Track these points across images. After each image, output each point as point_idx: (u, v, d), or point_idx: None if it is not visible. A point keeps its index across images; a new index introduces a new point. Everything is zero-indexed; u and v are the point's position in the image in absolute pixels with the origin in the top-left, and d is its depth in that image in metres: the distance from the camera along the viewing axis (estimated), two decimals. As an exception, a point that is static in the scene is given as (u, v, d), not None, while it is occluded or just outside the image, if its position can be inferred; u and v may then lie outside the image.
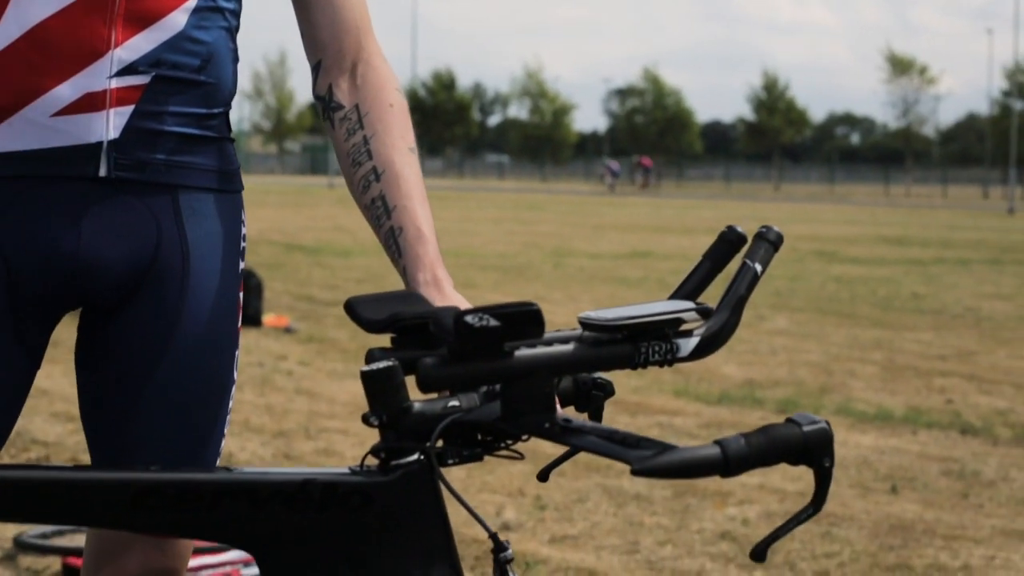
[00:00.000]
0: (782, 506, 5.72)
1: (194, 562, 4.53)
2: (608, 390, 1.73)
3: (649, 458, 1.48)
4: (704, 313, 1.64)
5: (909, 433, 7.43)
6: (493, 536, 1.62)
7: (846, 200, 60.34)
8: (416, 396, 1.61)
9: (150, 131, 1.99)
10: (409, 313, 1.61)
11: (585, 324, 1.59)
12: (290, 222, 28.14)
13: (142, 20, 1.97)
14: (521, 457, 1.68)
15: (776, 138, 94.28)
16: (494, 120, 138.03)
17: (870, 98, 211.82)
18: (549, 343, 1.58)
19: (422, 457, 1.62)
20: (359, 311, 1.63)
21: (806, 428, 1.51)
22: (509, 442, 1.64)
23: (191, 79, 2.03)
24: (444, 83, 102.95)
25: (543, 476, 1.83)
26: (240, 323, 2.14)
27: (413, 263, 1.96)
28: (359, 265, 17.43)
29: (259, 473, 1.60)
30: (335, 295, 14.04)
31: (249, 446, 6.62)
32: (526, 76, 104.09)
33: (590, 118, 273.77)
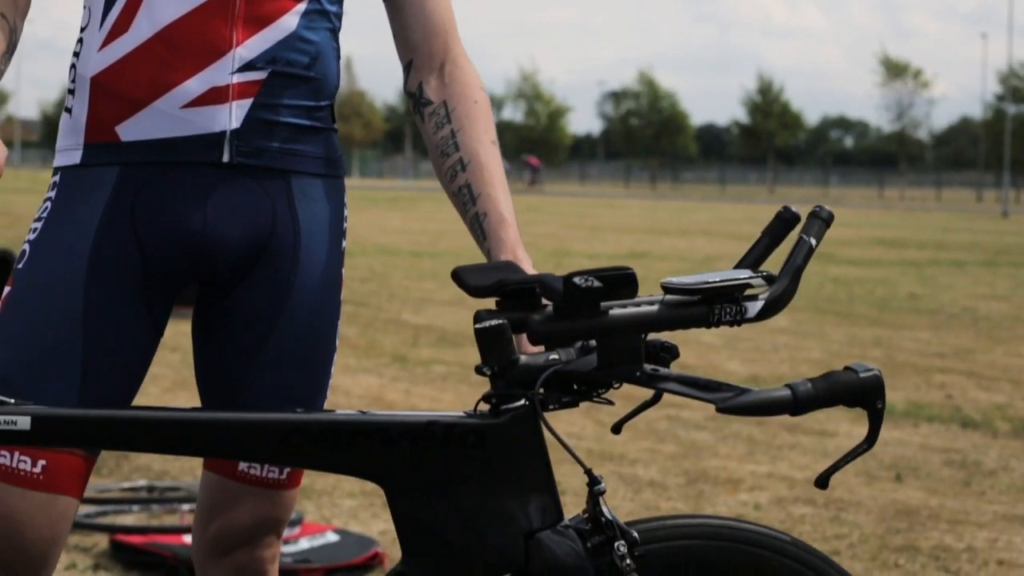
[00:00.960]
0: (792, 492, 5.93)
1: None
2: (674, 352, 1.94)
3: (730, 398, 1.71)
4: (768, 280, 1.86)
5: (911, 426, 7.64)
6: (588, 471, 1.85)
7: (841, 203, 60.57)
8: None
9: (267, 121, 2.22)
10: (515, 279, 1.83)
11: (667, 288, 1.82)
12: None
13: (259, 22, 2.20)
14: (612, 404, 1.90)
15: (771, 141, 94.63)
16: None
17: (864, 101, 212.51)
18: (637, 304, 1.81)
19: (527, 403, 1.84)
20: (466, 279, 1.86)
21: (862, 374, 1.76)
22: (601, 391, 1.87)
23: (302, 75, 2.25)
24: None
25: (616, 429, 2.05)
26: (342, 294, 2.36)
27: (496, 245, 2.18)
28: (361, 264, 17.62)
29: (390, 415, 1.82)
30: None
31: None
32: (521, 79, 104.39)
33: (584, 121, 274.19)
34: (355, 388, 8.32)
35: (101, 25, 2.21)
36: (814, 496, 5.86)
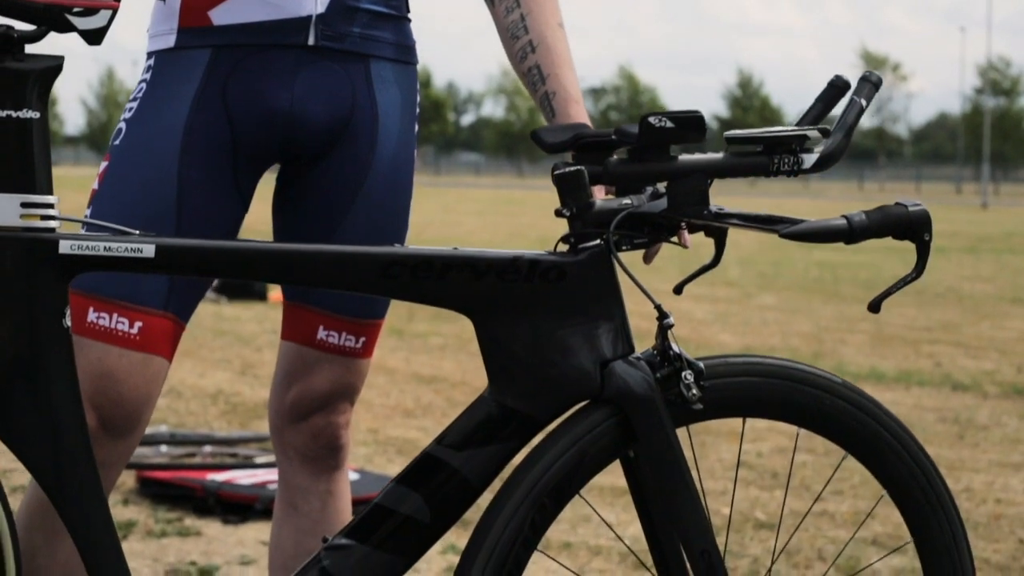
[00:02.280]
0: (791, 443, 6.07)
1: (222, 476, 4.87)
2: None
3: (790, 226, 1.86)
4: (824, 133, 2.01)
5: (902, 389, 7.80)
6: (658, 307, 1.99)
7: (821, 196, 60.80)
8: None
9: (348, 7, 2.36)
10: (591, 131, 1.99)
11: (730, 139, 1.99)
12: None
13: None
14: (684, 246, 2.09)
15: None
16: (467, 120, 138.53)
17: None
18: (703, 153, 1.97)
19: (602, 242, 2.00)
20: (544, 137, 2.02)
21: (911, 208, 1.93)
22: (670, 234, 2.05)
23: None
24: (421, 81, 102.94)
25: (678, 290, 2.19)
26: (414, 173, 2.51)
27: (565, 121, 2.31)
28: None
29: (479, 251, 1.96)
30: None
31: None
32: (502, 74, 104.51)
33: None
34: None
35: None
36: (814, 446, 6.01)
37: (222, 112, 2.32)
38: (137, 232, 1.94)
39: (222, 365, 8.11)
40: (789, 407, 2.09)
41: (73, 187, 10.00)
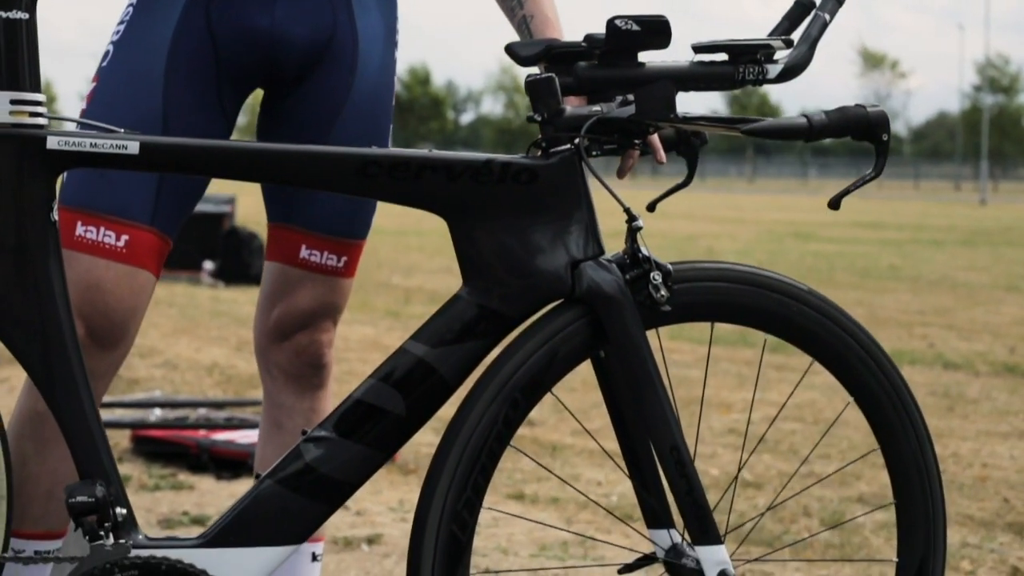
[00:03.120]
0: (781, 413, 6.12)
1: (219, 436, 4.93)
2: (703, 138, 2.15)
3: (753, 123, 1.92)
4: (787, 43, 2.07)
5: (894, 367, 7.84)
6: (627, 210, 2.05)
7: (820, 193, 60.74)
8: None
9: None
10: (561, 42, 2.05)
11: (697, 47, 2.05)
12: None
13: None
14: (659, 161, 2.18)
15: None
16: (467, 118, 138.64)
17: (840, 95, 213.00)
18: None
19: (572, 147, 2.05)
20: (517, 50, 2.08)
21: (870, 110, 1.98)
22: (638, 140, 2.10)
23: None
24: (419, 78, 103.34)
25: (651, 207, 2.24)
26: (394, 101, 2.56)
27: (533, 37, 2.38)
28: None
29: (453, 153, 2.02)
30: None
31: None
32: (500, 71, 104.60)
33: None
34: (352, 335, 8.49)
35: None
36: (803, 415, 6.07)
37: (206, 34, 2.38)
38: (122, 130, 1.99)
39: (218, 342, 8.17)
40: (757, 313, 2.14)
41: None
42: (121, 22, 2.40)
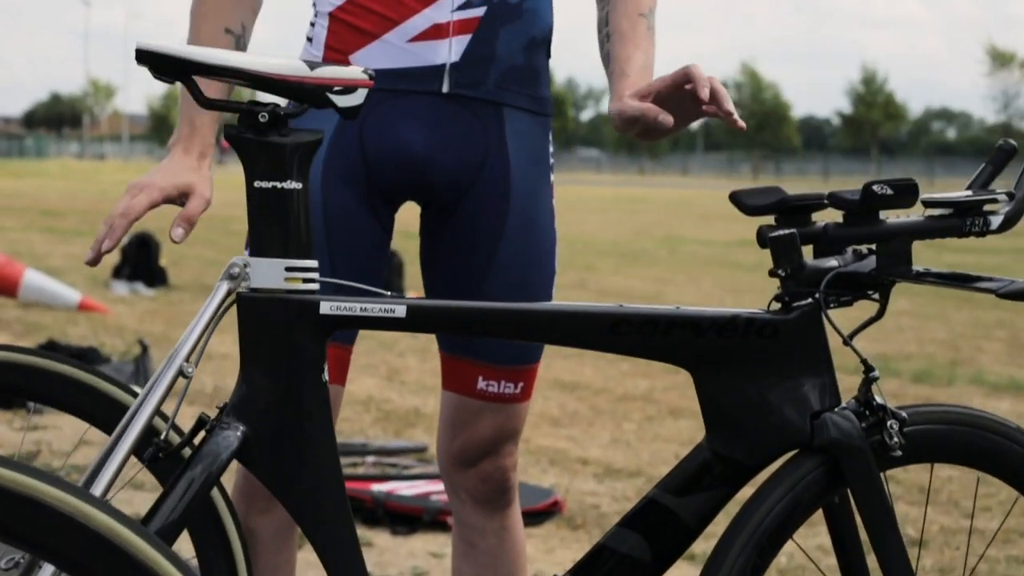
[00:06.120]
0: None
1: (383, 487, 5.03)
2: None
3: (1006, 285, 2.04)
4: (1009, 196, 2.17)
5: (1042, 400, 7.80)
6: (864, 361, 2.15)
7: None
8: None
9: (483, 56, 2.47)
10: (796, 196, 2.14)
11: (927, 203, 2.14)
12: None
13: None
14: (881, 303, 2.19)
15: (874, 132, 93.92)
16: (587, 115, 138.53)
17: (966, 92, 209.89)
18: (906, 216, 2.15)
19: (813, 301, 2.14)
20: (744, 200, 2.17)
21: None
22: (872, 292, 2.18)
23: (517, 10, 2.51)
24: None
25: (847, 342, 2.26)
26: (555, 221, 2.61)
27: (612, 96, 2.40)
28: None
29: (699, 310, 2.11)
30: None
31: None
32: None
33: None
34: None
35: None
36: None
37: (358, 151, 2.46)
38: (389, 293, 2.09)
39: (368, 371, 8.29)
40: (974, 452, 2.22)
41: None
42: None
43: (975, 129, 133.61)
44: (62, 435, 6.05)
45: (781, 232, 2.11)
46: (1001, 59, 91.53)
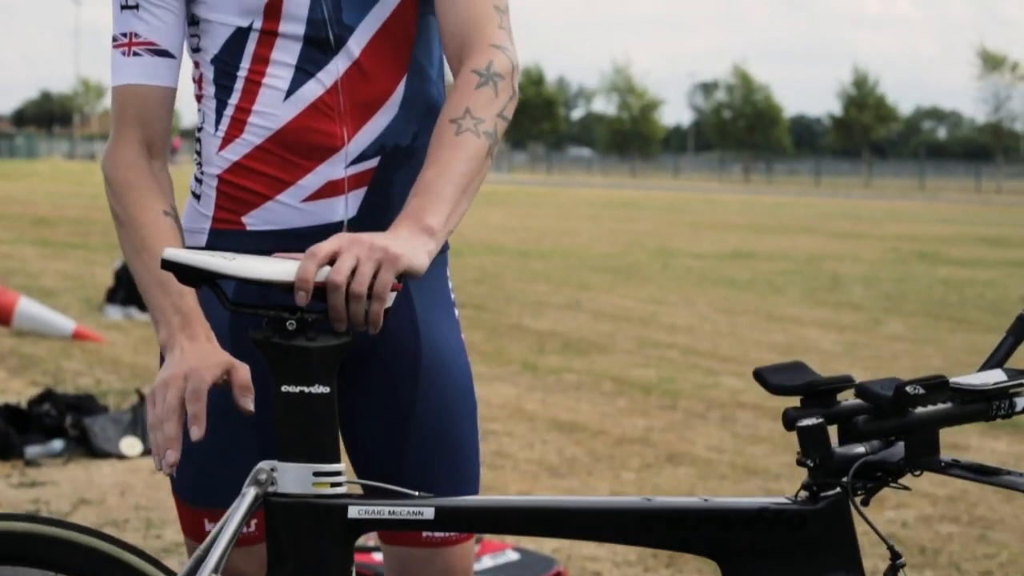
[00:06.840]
0: (935, 509, 6.12)
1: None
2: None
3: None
4: None
5: (1044, 438, 7.80)
6: (891, 547, 2.13)
7: (938, 197, 60.26)
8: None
9: (379, 206, 2.43)
10: (824, 380, 2.11)
11: (956, 389, 2.12)
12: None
13: (365, 111, 2.41)
14: (908, 489, 2.19)
15: (865, 133, 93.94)
16: (577, 114, 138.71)
17: (958, 92, 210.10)
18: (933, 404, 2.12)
19: (841, 491, 2.12)
20: (768, 378, 2.15)
21: None
22: (899, 479, 2.15)
23: (408, 151, 2.45)
24: (533, 79, 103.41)
25: (866, 502, 2.23)
26: (467, 355, 2.58)
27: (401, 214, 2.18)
28: (472, 265, 17.91)
29: (727, 502, 2.10)
30: (457, 296, 14.50)
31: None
32: (614, 71, 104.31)
33: (673, 112, 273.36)
34: (494, 398, 8.57)
35: (216, 129, 2.44)
36: (958, 515, 6.06)
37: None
38: (416, 494, 2.08)
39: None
40: None
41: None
42: None
43: (966, 128, 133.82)
44: (60, 492, 6.04)
45: (810, 423, 2.10)
46: (992, 62, 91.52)
